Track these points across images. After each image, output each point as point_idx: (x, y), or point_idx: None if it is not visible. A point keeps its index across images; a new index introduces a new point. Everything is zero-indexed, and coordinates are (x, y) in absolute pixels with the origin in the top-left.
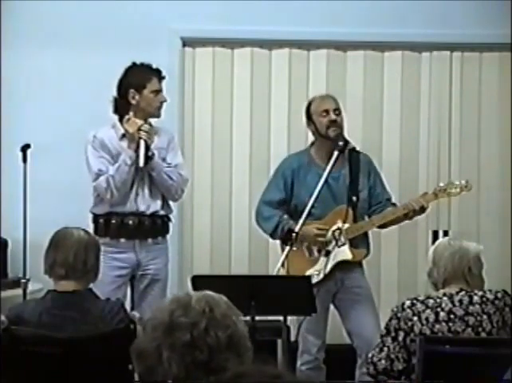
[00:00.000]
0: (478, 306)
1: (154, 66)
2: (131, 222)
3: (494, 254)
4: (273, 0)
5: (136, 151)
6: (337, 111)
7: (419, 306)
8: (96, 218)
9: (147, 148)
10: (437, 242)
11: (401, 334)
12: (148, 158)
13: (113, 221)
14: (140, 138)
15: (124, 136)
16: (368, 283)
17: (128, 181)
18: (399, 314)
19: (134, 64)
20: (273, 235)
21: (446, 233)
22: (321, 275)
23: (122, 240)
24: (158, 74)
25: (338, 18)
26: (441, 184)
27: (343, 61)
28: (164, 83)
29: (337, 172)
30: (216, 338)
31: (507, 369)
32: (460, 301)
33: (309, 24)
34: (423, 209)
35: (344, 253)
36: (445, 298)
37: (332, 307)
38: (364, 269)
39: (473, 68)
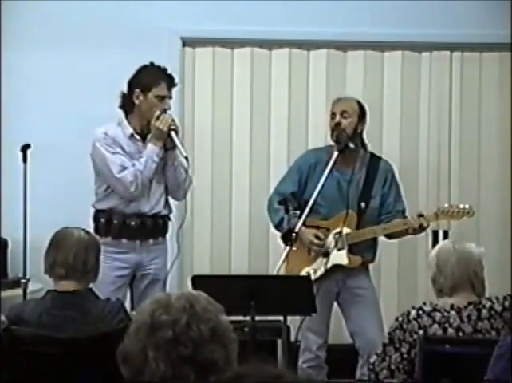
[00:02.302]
0: (486, 322)
1: (169, 71)
2: (133, 223)
3: (494, 254)
4: (273, 0)
5: (162, 148)
6: (345, 113)
7: (426, 320)
8: (97, 216)
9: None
10: (439, 246)
11: (405, 346)
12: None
13: (115, 221)
14: (171, 130)
15: (132, 135)
16: (372, 285)
17: (150, 179)
18: (404, 325)
19: (151, 64)
20: (278, 227)
21: (446, 233)
22: (318, 274)
23: (124, 240)
24: (169, 80)
25: (338, 18)
26: (445, 205)
27: (343, 61)
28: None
29: (352, 175)
30: (199, 331)
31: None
32: (468, 316)
33: (309, 24)
34: (422, 227)
35: (341, 257)
36: (453, 313)
37: (334, 307)
38: (369, 271)
39: (473, 68)
